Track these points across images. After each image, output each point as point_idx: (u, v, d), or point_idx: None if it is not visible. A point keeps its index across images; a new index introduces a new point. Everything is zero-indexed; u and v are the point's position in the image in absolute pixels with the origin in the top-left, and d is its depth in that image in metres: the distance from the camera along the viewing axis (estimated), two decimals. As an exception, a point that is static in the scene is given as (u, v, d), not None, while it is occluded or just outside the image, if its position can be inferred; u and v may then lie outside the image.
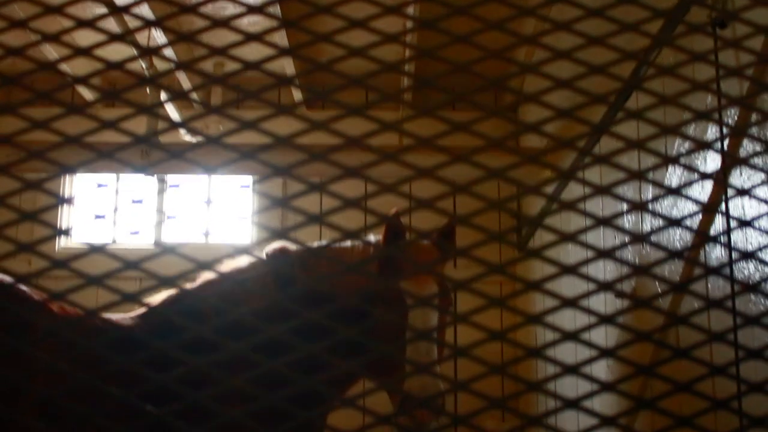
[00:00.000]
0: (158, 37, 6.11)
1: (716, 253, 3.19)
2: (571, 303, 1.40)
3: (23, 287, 3.02)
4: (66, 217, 7.82)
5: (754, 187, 1.64)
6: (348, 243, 3.72)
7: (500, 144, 1.47)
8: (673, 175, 3.66)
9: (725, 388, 2.71)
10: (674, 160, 1.54)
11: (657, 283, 3.81)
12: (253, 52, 5.47)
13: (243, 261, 3.67)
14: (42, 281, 1.40)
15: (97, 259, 1.39)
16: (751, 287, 1.53)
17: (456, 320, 1.39)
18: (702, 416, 1.39)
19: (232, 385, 1.41)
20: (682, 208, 3.55)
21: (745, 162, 1.69)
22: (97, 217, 7.42)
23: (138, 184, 7.91)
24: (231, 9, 6.23)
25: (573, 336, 1.39)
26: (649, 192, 4.00)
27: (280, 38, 6.36)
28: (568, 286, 4.73)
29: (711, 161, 3.26)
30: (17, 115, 1.42)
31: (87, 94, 7.57)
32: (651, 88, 1.60)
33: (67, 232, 1.41)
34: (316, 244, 3.85)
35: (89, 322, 2.87)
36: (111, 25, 5.99)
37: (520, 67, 1.61)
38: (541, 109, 1.54)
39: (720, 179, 2.93)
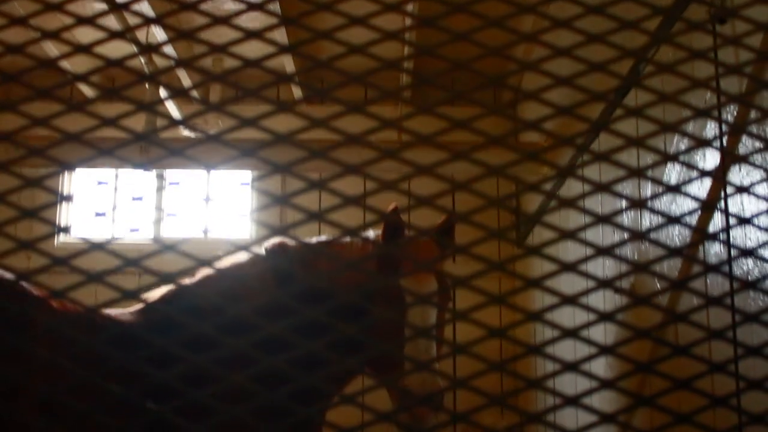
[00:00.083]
0: (158, 34, 6.10)
1: (715, 251, 3.19)
2: (571, 300, 1.41)
3: (23, 284, 3.01)
4: (65, 214, 7.82)
5: (753, 184, 1.64)
6: (347, 239, 3.72)
7: (500, 141, 1.47)
8: (672, 172, 3.66)
9: (724, 385, 2.71)
10: (674, 158, 1.54)
11: (656, 280, 3.81)
12: (253, 49, 5.47)
13: (242, 257, 3.67)
14: (41, 277, 1.40)
15: (96, 255, 1.39)
16: (750, 284, 1.53)
17: (455, 317, 1.39)
18: (701, 413, 1.40)
19: (232, 383, 1.41)
20: (680, 205, 3.55)
21: (744, 159, 1.69)
22: (98, 214, 7.43)
23: (138, 181, 7.91)
24: (231, 6, 6.23)
25: (572, 333, 1.39)
26: (647, 189, 4.01)
27: (280, 35, 6.35)
28: (567, 283, 4.74)
29: (710, 158, 3.26)
30: (17, 113, 1.42)
31: (86, 90, 7.57)
32: (650, 85, 1.60)
33: (66, 230, 1.41)
34: (315, 239, 3.84)
35: (90, 318, 2.87)
36: (111, 22, 5.99)
37: (520, 64, 1.61)
38: (540, 105, 1.54)
39: (719, 176, 2.93)
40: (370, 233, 3.79)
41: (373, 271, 3.53)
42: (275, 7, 5.90)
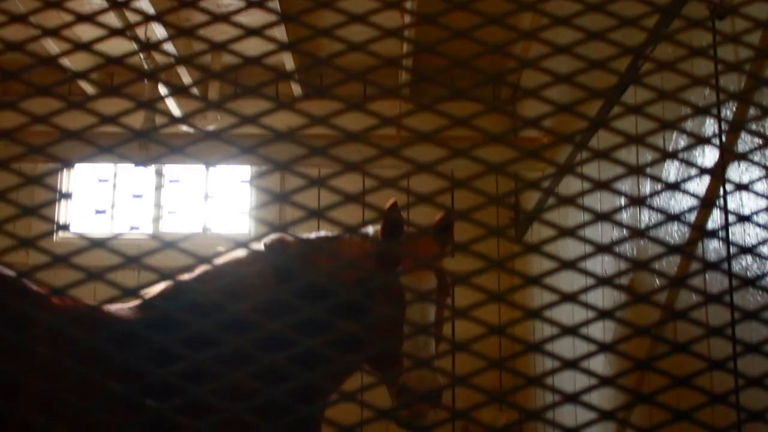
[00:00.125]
0: (158, 31, 6.10)
1: (714, 248, 3.19)
2: (571, 298, 1.41)
3: (23, 281, 3.01)
4: (65, 211, 7.82)
5: (753, 181, 1.64)
6: (346, 235, 3.72)
7: (500, 139, 1.47)
8: (671, 170, 3.66)
9: (723, 383, 2.72)
10: (673, 155, 1.54)
11: (655, 277, 3.81)
12: (252, 46, 5.48)
13: (242, 254, 3.67)
14: (40, 274, 1.40)
15: (96, 252, 1.39)
16: (749, 281, 1.53)
17: (454, 315, 1.40)
18: (700, 410, 1.40)
19: (232, 380, 1.42)
20: (679, 202, 3.55)
21: (744, 157, 1.69)
22: (98, 212, 7.44)
23: (137, 177, 7.91)
24: (231, 3, 6.23)
25: (572, 331, 1.39)
26: (646, 186, 4.01)
27: (280, 33, 6.35)
28: (566, 281, 4.74)
29: (708, 155, 3.27)
30: (17, 110, 1.42)
31: (85, 86, 7.57)
32: (648, 82, 1.60)
33: (65, 227, 1.41)
34: (314, 235, 3.84)
35: (90, 315, 2.88)
36: (111, 19, 5.98)
37: (519, 62, 1.61)
38: (539, 102, 1.54)
39: (718, 174, 2.93)
40: (370, 229, 3.79)
41: (372, 268, 3.53)
42: (275, 4, 5.89)
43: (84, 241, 1.37)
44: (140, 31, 6.40)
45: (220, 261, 3.65)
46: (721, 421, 1.54)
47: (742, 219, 1.56)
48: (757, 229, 2.69)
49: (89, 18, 1.45)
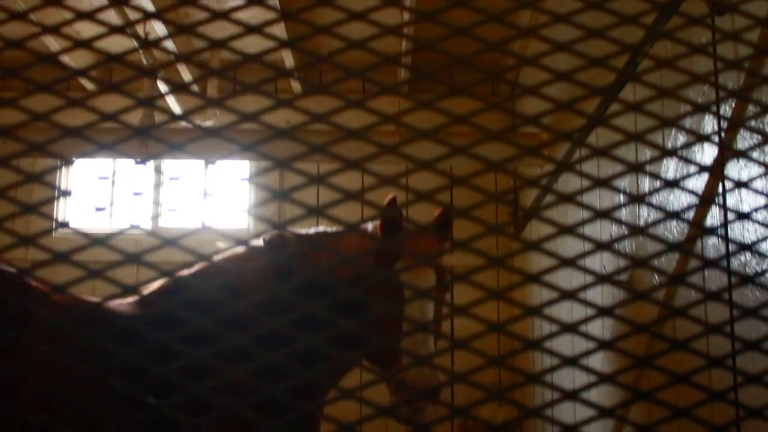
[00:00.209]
0: (158, 28, 6.09)
1: (713, 245, 3.19)
2: (570, 295, 1.41)
3: (25, 277, 3.01)
4: (63, 208, 7.82)
5: (752, 179, 1.64)
6: (345, 230, 3.72)
7: (499, 136, 1.47)
8: (669, 167, 3.66)
9: (722, 380, 2.72)
10: (672, 153, 1.54)
11: (655, 274, 3.81)
12: (252, 44, 5.47)
13: (241, 250, 3.67)
14: (39, 270, 1.40)
15: (95, 248, 1.39)
16: (748, 279, 1.54)
17: (453, 312, 1.40)
18: (699, 407, 1.40)
19: (232, 377, 1.42)
20: (678, 199, 3.55)
21: (743, 154, 1.70)
22: (98, 209, 7.43)
23: (137, 174, 7.91)
24: (230, 0, 6.23)
25: (571, 328, 1.40)
26: (645, 183, 4.01)
27: (279, 30, 6.35)
28: (565, 278, 4.74)
29: (707, 153, 3.27)
30: (16, 108, 1.42)
31: (84, 82, 7.56)
32: (647, 79, 1.60)
33: (65, 225, 1.41)
34: (313, 230, 3.84)
35: (90, 311, 2.88)
36: (110, 16, 5.98)
37: (518, 59, 1.61)
38: (537, 99, 1.55)
39: (717, 171, 2.94)
40: (369, 225, 3.79)
41: (371, 265, 3.53)
42: (274, 2, 5.89)
43: (83, 238, 1.37)
44: (139, 28, 6.40)
45: (219, 257, 3.66)
46: (720, 418, 1.54)
47: (742, 216, 1.57)
48: (756, 227, 2.70)
49: (89, 15, 1.45)
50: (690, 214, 3.33)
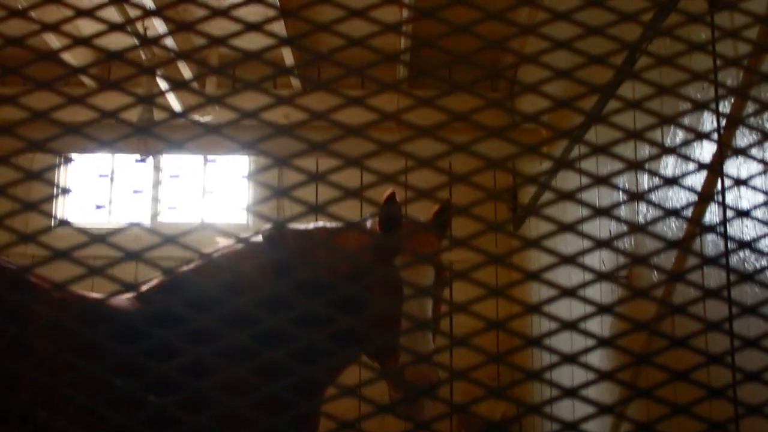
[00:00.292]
0: (157, 25, 6.09)
1: (712, 243, 3.20)
2: (570, 293, 1.41)
3: (26, 273, 3.02)
4: (62, 205, 7.82)
5: (751, 177, 1.65)
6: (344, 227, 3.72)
7: (499, 134, 1.47)
8: (668, 164, 3.67)
9: (721, 377, 2.73)
10: (672, 151, 1.54)
11: (654, 272, 3.82)
12: (252, 41, 5.45)
13: (240, 246, 3.67)
14: (39, 267, 1.41)
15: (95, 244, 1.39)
16: (747, 276, 1.54)
17: (453, 309, 1.40)
18: (698, 405, 1.40)
19: (231, 374, 1.42)
20: (676, 197, 3.55)
21: (743, 152, 1.70)
22: (98, 207, 7.43)
23: (136, 171, 7.91)
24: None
25: (571, 325, 1.40)
26: (644, 181, 4.01)
27: (279, 27, 6.35)
28: (564, 275, 4.75)
29: (705, 150, 3.27)
30: (16, 105, 1.42)
31: (82, 79, 7.55)
32: (644, 76, 1.60)
33: (65, 222, 1.41)
34: (312, 225, 3.84)
35: (91, 307, 2.88)
36: (110, 14, 5.97)
37: (518, 56, 1.62)
38: (536, 96, 1.55)
39: (716, 169, 2.94)
40: (368, 221, 3.79)
41: (370, 261, 3.53)
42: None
43: (83, 236, 1.37)
44: (139, 25, 6.39)
45: (218, 253, 3.66)
46: (718, 415, 1.55)
47: (741, 214, 1.57)
48: (755, 224, 2.70)
49: (89, 13, 1.45)
50: (689, 212, 3.33)
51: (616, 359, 4.29)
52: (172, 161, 7.98)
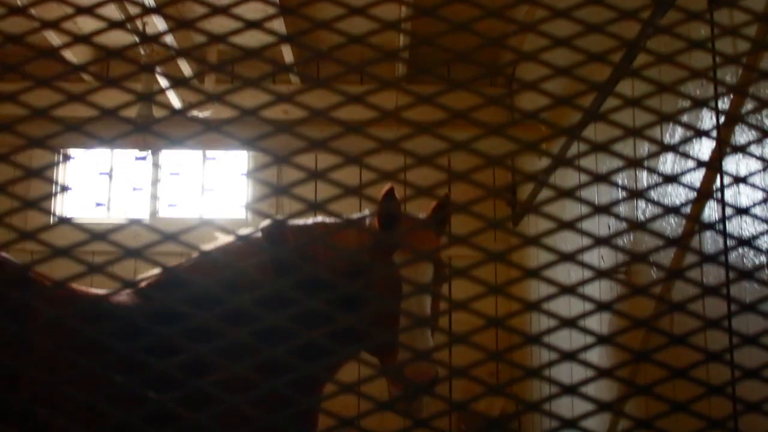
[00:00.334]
0: (157, 22, 6.09)
1: (711, 240, 3.20)
2: (570, 290, 1.41)
3: (27, 270, 3.02)
4: (61, 202, 7.82)
5: (750, 174, 1.65)
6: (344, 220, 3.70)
7: (498, 131, 1.47)
8: (667, 162, 3.67)
9: (719, 374, 2.73)
10: (671, 148, 1.54)
11: (653, 269, 3.82)
12: (252, 38, 5.44)
13: (239, 242, 3.66)
14: (39, 264, 1.42)
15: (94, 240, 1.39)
16: (746, 274, 1.54)
17: (452, 306, 1.40)
18: (697, 402, 1.41)
19: (231, 372, 1.42)
20: (674, 194, 3.56)
21: (743, 150, 1.70)
22: (98, 204, 7.42)
23: (136, 168, 7.91)
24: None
25: (570, 323, 1.40)
26: (643, 178, 4.01)
27: (278, 25, 6.34)
28: (563, 273, 4.73)
29: (704, 147, 3.27)
30: (17, 103, 1.42)
31: (82, 75, 7.55)
32: (644, 74, 1.60)
33: (65, 220, 1.41)
34: (311, 221, 3.83)
35: (92, 303, 2.89)
36: (110, 11, 5.96)
37: (518, 54, 1.62)
38: (535, 93, 1.55)
39: (715, 166, 2.94)
40: (367, 214, 3.78)
41: (369, 257, 3.53)
42: (273, -4, 5.87)
43: (82, 233, 1.37)
44: (138, 22, 6.39)
45: (216, 249, 3.65)
46: (717, 412, 1.55)
47: (740, 211, 1.57)
48: (755, 221, 2.70)
49: (89, 10, 1.45)
50: (688, 209, 3.34)
51: (615, 356, 4.30)
52: (171, 158, 7.98)
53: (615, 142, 1.52)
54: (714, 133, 3.03)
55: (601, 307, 1.43)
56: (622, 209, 4.28)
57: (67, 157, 7.55)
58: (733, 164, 2.95)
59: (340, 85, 1.49)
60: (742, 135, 2.94)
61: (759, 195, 2.62)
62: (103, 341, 1.39)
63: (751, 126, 2.72)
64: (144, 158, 6.77)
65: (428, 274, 3.54)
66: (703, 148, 3.27)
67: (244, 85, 1.46)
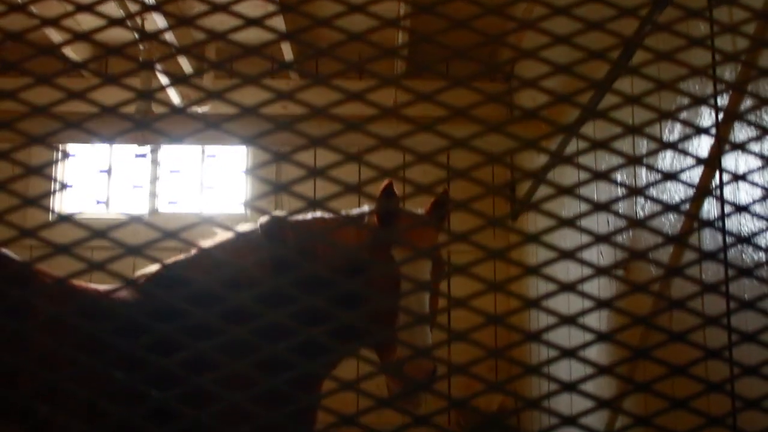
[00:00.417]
0: (157, 19, 6.07)
1: (710, 237, 3.20)
2: (569, 287, 1.41)
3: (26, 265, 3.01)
4: (60, 198, 7.82)
5: (749, 172, 1.65)
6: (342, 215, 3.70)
7: (498, 129, 1.48)
8: (666, 159, 3.67)
9: (718, 372, 2.73)
10: (671, 146, 1.54)
11: (652, 266, 3.82)
12: (252, 35, 5.43)
13: (238, 239, 3.65)
14: (39, 260, 1.42)
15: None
16: (745, 271, 1.54)
17: (451, 304, 1.40)
18: (696, 399, 1.41)
19: (231, 368, 1.42)
20: (673, 191, 3.56)
21: (742, 147, 1.70)
22: (98, 202, 7.42)
23: (136, 164, 7.91)
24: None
25: (570, 320, 1.40)
26: (642, 175, 4.01)
27: (278, 22, 6.34)
28: (562, 270, 4.73)
29: (703, 144, 3.27)
30: (16, 100, 1.42)
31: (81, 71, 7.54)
32: (643, 71, 1.60)
33: (65, 218, 1.41)
34: (309, 216, 3.81)
35: (93, 298, 2.88)
36: (110, 8, 5.95)
37: (518, 51, 1.62)
38: (534, 90, 1.55)
39: (714, 164, 2.94)
40: (365, 209, 3.77)
41: (368, 256, 3.52)
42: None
43: (82, 230, 1.37)
44: (137, 19, 6.37)
45: (215, 244, 3.64)
46: (716, 409, 1.55)
47: (739, 209, 1.57)
48: (754, 219, 2.70)
49: (89, 8, 1.45)
50: (687, 207, 3.34)
51: (615, 354, 4.30)
52: (171, 154, 7.98)
53: (614, 139, 1.53)
54: (713, 131, 3.03)
55: (601, 304, 1.43)
56: (622, 206, 4.28)
57: (66, 155, 7.54)
58: (732, 161, 2.95)
59: (339, 82, 1.49)
60: (741, 132, 2.94)
61: (758, 192, 2.62)
62: (102, 338, 1.39)
63: (750, 123, 2.73)
64: (144, 155, 6.77)
65: (427, 271, 3.53)
66: (702, 145, 3.27)
67: (243, 83, 1.47)
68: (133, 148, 7.39)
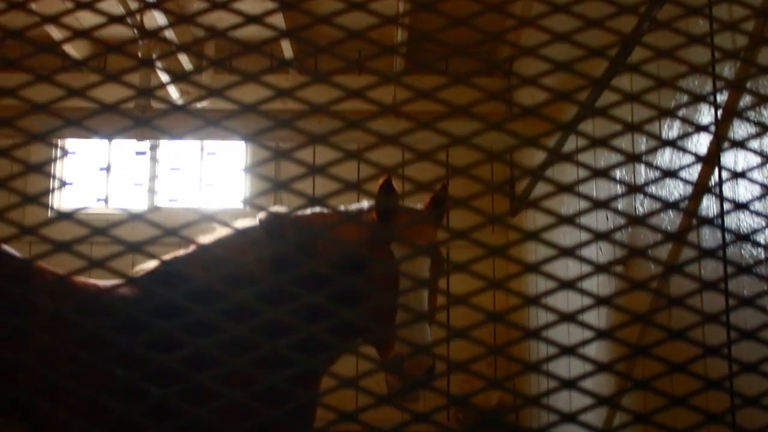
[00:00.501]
0: (157, 16, 6.08)
1: (710, 235, 3.20)
2: (569, 285, 1.42)
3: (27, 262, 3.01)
4: (60, 196, 7.82)
5: (749, 169, 1.65)
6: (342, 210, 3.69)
7: (498, 126, 1.48)
8: (665, 156, 3.67)
9: (717, 369, 2.73)
10: (670, 144, 1.55)
11: (651, 263, 3.82)
12: (252, 32, 5.42)
13: (239, 235, 3.65)
14: (39, 257, 1.42)
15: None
16: (744, 268, 1.55)
17: (451, 301, 1.40)
18: (695, 396, 1.41)
19: (230, 365, 1.42)
20: (672, 188, 3.56)
21: (741, 145, 1.70)
22: (99, 200, 7.42)
23: (135, 161, 7.91)
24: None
25: (570, 317, 1.40)
26: (641, 173, 4.01)
27: (278, 20, 6.34)
28: (561, 267, 4.73)
29: (702, 142, 3.27)
30: (16, 97, 1.42)
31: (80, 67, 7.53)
32: (642, 68, 1.61)
33: (65, 216, 1.41)
34: (309, 211, 3.81)
35: (94, 294, 2.89)
36: (110, 6, 5.95)
37: (517, 48, 1.62)
38: (532, 88, 1.55)
39: (713, 161, 2.94)
40: (365, 204, 3.76)
41: (367, 252, 3.52)
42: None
43: (82, 227, 1.38)
44: (137, 16, 6.37)
45: (214, 240, 3.64)
46: (715, 406, 1.55)
47: (738, 206, 1.57)
48: (753, 216, 2.70)
49: (89, 5, 1.45)
50: (686, 204, 3.34)
51: (614, 351, 4.30)
52: (170, 151, 7.98)
53: (614, 136, 1.53)
54: (712, 128, 3.03)
55: (600, 301, 1.44)
56: (621, 203, 4.28)
57: (66, 152, 7.54)
58: (732, 158, 2.95)
59: (338, 79, 1.49)
60: (740, 129, 2.94)
61: (757, 189, 2.62)
62: (103, 335, 1.39)
63: (749, 120, 2.73)
64: (143, 152, 6.77)
65: (426, 267, 3.52)
66: (702, 143, 3.27)
67: (243, 80, 1.47)
68: (133, 145, 7.39)
